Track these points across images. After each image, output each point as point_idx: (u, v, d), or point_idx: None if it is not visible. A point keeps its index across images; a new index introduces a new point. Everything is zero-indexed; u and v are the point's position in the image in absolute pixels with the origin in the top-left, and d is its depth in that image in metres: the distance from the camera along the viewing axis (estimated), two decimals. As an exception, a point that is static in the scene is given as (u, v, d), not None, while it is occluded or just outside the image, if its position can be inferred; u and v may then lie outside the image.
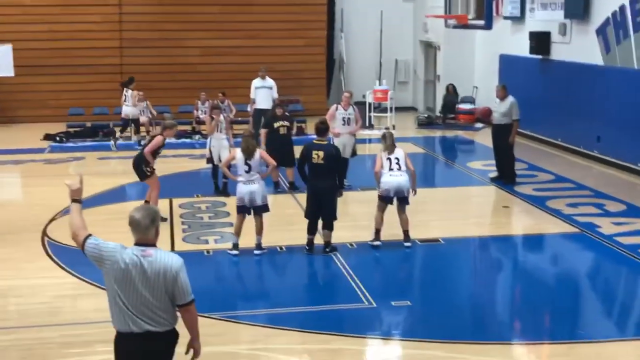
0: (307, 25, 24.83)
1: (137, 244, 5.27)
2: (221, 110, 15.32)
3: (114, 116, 22.38)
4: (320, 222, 10.88)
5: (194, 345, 5.60)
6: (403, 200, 11.04)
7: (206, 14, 24.09)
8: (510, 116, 14.90)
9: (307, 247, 10.92)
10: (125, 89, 20.34)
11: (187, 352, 5.63)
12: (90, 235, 5.29)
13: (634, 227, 12.09)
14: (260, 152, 10.96)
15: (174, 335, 5.38)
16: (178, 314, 5.45)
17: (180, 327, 5.50)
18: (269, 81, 18.94)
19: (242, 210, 10.82)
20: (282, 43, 24.51)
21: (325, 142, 10.85)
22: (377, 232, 11.13)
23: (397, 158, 11.00)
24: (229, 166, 11.45)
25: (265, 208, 10.87)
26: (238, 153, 10.86)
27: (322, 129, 10.97)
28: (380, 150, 11.17)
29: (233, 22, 24.29)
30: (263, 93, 18.91)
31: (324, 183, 10.65)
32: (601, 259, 10.98)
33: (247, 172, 10.75)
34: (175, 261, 5.28)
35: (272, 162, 11.18)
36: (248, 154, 10.74)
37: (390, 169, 10.95)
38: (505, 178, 15.12)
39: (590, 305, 9.53)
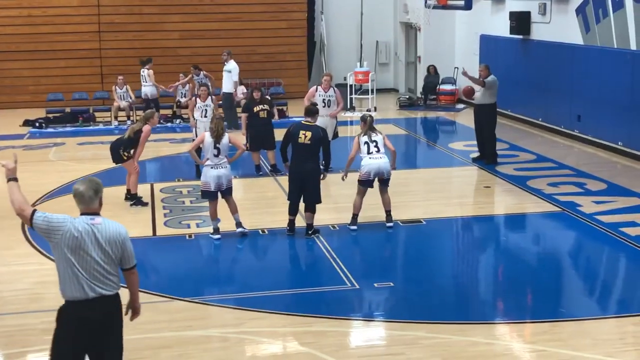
0: (288, 8, 24.73)
1: (83, 213, 5.59)
2: (209, 88, 15.11)
3: (94, 101, 22.27)
4: (302, 205, 10.87)
5: (134, 305, 6.00)
6: (384, 182, 11.04)
7: (185, -3, 23.95)
8: (492, 96, 14.93)
9: (288, 228, 10.91)
10: (142, 69, 20.37)
11: (126, 313, 5.97)
12: (36, 209, 5.53)
13: (614, 206, 12.17)
14: (229, 136, 10.85)
15: (120, 299, 5.73)
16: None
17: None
18: (230, 65, 19.04)
19: (210, 195, 10.72)
20: (263, 26, 24.42)
21: (314, 124, 10.79)
22: (354, 217, 11.11)
23: (375, 141, 10.98)
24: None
25: (230, 190, 10.78)
26: (207, 137, 10.76)
27: (312, 110, 10.93)
28: (358, 135, 11.15)
29: (213, 5, 24.16)
30: (223, 77, 19.02)
31: (308, 165, 10.60)
32: (582, 238, 11.04)
33: (216, 156, 10.65)
34: (122, 228, 5.69)
35: (242, 146, 11.08)
36: (217, 137, 10.65)
37: (369, 152, 10.93)
38: (487, 158, 15.16)
39: (572, 284, 9.59)
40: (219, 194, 10.73)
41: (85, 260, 5.49)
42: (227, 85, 19.16)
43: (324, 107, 14.33)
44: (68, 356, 5.63)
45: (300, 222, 11.00)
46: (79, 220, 5.52)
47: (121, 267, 5.72)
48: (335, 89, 14.74)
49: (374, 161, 10.89)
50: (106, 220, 5.61)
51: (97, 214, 5.61)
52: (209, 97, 14.56)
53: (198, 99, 14.48)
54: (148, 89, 20.31)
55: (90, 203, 5.57)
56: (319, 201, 10.76)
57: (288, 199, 10.89)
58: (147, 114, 12.65)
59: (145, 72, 20.33)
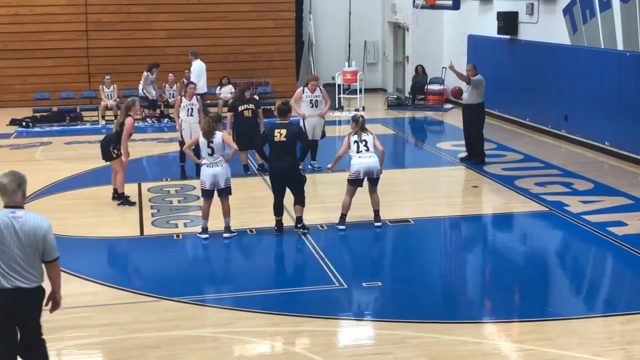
0: (276, 7, 24.70)
1: (6, 206, 5.79)
2: (195, 87, 14.99)
3: (81, 100, 22.16)
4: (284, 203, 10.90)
5: (55, 297, 6.13)
6: (373, 181, 11.07)
7: (173, -4, 23.89)
8: (480, 96, 15.00)
9: (276, 228, 10.92)
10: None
11: (46, 304, 6.12)
12: None
13: (601, 205, 12.21)
14: (222, 135, 10.85)
15: (42, 291, 5.94)
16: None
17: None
18: (193, 65, 19.22)
19: (206, 194, 10.76)
20: (251, 25, 24.38)
21: (287, 122, 10.89)
22: (343, 216, 11.13)
23: (364, 140, 11.02)
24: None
25: (228, 191, 10.80)
26: (201, 136, 10.79)
27: (284, 109, 11.03)
28: (349, 134, 11.18)
29: (201, 4, 24.10)
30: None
31: (286, 162, 10.67)
32: (569, 237, 11.07)
33: (210, 154, 10.68)
34: (44, 221, 5.84)
35: (234, 145, 11.09)
36: (206, 136, 10.66)
37: (359, 151, 10.96)
38: (475, 158, 15.19)
39: (559, 283, 9.62)
40: (216, 193, 10.74)
41: (5, 253, 5.67)
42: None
43: (311, 107, 14.37)
44: None
45: (288, 222, 11.01)
46: (0, 214, 5.71)
47: (43, 259, 5.85)
48: (322, 88, 14.75)
49: (364, 160, 10.92)
50: (28, 213, 5.76)
51: (20, 207, 5.77)
52: (195, 96, 14.40)
53: (183, 98, 14.33)
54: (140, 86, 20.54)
55: (13, 196, 5.74)
56: (304, 180, 10.89)
57: (277, 200, 10.88)
58: (128, 103, 12.45)
59: (144, 73, 20.43)
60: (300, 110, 14.36)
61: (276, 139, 10.67)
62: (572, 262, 10.41)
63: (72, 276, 9.38)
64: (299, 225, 10.87)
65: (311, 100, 14.35)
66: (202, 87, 19.18)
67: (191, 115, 14.16)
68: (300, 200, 10.82)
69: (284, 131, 10.67)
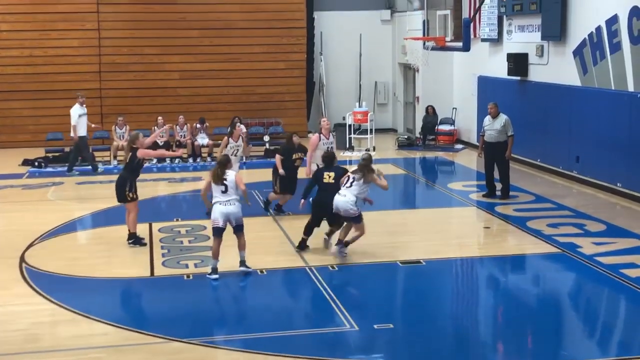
0: (287, 49, 24.92)
1: None
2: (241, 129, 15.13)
3: (93, 141, 22.27)
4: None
5: None
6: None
7: (186, 38, 24.12)
8: (506, 133, 15.26)
9: (299, 247, 11.78)
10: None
11: None
12: None
13: (614, 247, 12.13)
14: (234, 174, 10.89)
15: None
16: None
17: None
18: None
19: (218, 231, 10.76)
20: (263, 66, 24.59)
21: (335, 166, 12.02)
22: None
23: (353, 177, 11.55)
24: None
25: (241, 227, 10.86)
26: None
27: (331, 158, 12.13)
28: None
29: (213, 46, 24.33)
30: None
31: (332, 198, 11.35)
32: (582, 279, 10.98)
33: (224, 192, 10.71)
34: None
35: (242, 186, 10.99)
36: (217, 182, 10.73)
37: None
38: (503, 194, 15.47)
39: (573, 326, 9.52)
40: (229, 229, 10.83)
41: None
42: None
43: None
44: None
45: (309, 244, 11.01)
46: None
47: None
48: (333, 134, 14.85)
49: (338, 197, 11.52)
50: None
51: None
52: (240, 137, 14.65)
53: (230, 139, 14.44)
54: None
55: None
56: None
57: (311, 225, 11.79)
58: (132, 137, 12.62)
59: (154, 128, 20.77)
60: (312, 163, 14.32)
61: (325, 180, 11.73)
62: (586, 304, 10.31)
63: (82, 317, 9.35)
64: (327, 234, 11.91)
65: (328, 147, 14.33)
66: None
67: (235, 155, 14.31)
68: (336, 226, 11.71)
69: (332, 174, 11.77)
